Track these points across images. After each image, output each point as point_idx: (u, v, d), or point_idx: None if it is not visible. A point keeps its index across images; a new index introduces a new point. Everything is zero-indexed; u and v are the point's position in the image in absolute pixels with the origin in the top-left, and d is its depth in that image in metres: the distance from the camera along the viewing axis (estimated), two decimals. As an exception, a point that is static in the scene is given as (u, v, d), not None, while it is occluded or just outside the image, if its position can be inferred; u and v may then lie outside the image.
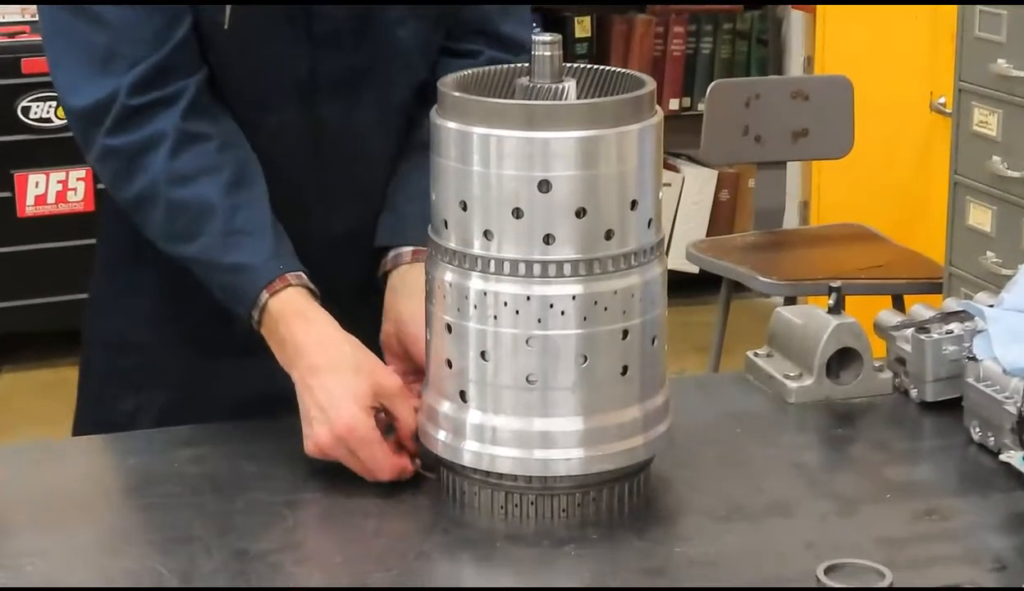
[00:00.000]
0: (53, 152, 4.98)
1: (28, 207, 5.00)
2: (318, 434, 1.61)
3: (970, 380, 1.74)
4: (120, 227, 1.88)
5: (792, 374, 1.86)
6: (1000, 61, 3.73)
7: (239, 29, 1.76)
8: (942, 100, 4.46)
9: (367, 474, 1.62)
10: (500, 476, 1.56)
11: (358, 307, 1.78)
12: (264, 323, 1.70)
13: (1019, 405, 1.66)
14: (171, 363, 1.93)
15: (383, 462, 1.61)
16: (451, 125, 1.53)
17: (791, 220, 5.18)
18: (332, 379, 1.62)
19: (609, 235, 1.52)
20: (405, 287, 1.78)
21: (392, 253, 1.83)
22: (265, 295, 1.69)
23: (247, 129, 1.80)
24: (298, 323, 1.68)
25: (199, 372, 1.91)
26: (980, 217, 3.85)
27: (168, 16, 1.74)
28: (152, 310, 1.93)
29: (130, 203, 1.76)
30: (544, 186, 1.49)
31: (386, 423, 1.63)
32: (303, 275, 1.71)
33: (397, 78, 1.86)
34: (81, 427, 1.98)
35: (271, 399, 1.72)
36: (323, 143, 1.85)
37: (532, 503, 1.57)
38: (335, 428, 1.60)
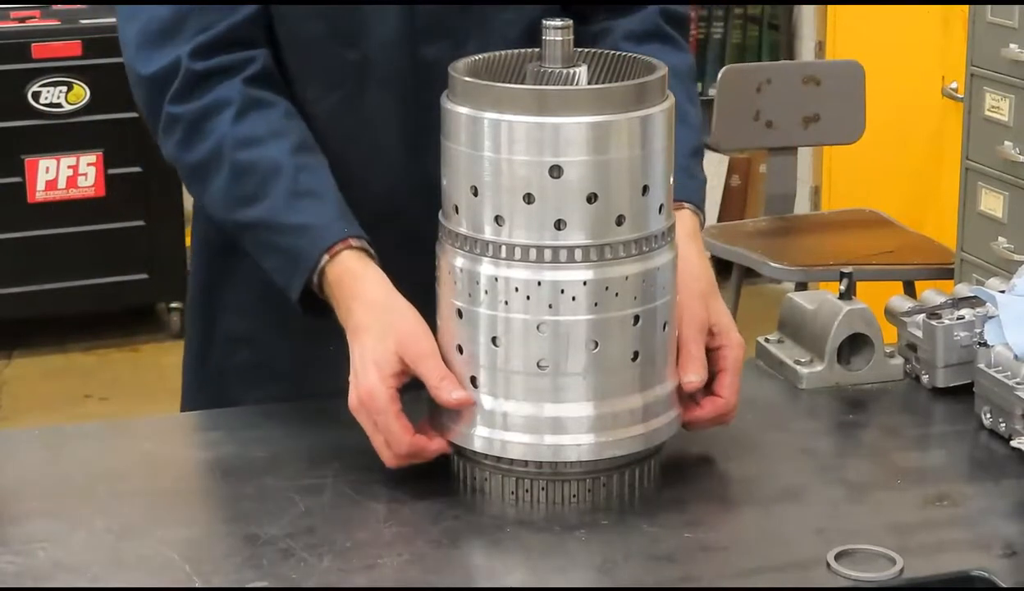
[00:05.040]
0: (64, 137, 4.99)
1: (39, 192, 5.01)
2: (349, 397, 1.59)
3: (981, 366, 1.74)
4: (212, 225, 1.86)
5: (803, 360, 1.86)
6: (1012, 46, 3.72)
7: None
8: (954, 85, 4.46)
9: (384, 450, 1.58)
10: (511, 462, 1.56)
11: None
12: (323, 286, 1.66)
13: (1031, 391, 1.66)
14: (278, 354, 1.90)
15: (398, 435, 1.56)
16: (462, 110, 1.52)
17: (802, 205, 5.17)
18: (366, 342, 1.59)
19: (620, 220, 1.51)
20: None
21: None
22: (325, 258, 1.65)
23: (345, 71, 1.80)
24: (351, 283, 1.64)
25: (305, 361, 1.88)
26: (992, 203, 3.84)
27: None
28: (253, 303, 1.90)
29: (192, 169, 1.74)
30: (555, 171, 1.49)
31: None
32: (364, 239, 1.67)
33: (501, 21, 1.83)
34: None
35: None
36: (422, 88, 1.80)
37: (543, 489, 1.57)
38: (359, 392, 1.58)
